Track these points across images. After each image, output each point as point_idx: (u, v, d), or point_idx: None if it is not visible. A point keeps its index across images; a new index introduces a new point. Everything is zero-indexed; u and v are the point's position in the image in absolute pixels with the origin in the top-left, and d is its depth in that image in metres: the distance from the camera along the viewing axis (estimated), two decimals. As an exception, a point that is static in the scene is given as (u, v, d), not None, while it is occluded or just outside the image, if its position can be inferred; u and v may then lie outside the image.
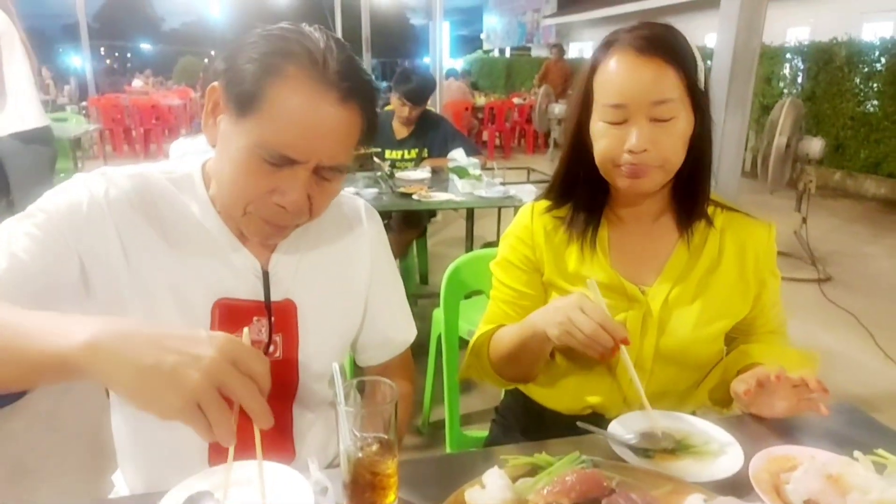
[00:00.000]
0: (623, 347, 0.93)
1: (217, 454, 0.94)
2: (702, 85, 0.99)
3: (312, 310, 0.98)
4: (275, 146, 0.79)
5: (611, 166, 1.01)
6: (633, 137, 0.96)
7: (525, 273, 1.13)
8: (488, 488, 0.63)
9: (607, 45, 1.00)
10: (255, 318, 0.93)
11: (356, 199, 1.09)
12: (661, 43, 0.95)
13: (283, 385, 0.98)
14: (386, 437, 0.72)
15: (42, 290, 0.79)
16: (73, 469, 2.15)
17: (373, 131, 0.89)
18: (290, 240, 0.95)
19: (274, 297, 0.95)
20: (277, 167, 0.81)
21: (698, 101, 0.99)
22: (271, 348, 0.95)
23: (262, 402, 0.62)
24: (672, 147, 0.98)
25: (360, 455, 0.71)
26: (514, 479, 0.66)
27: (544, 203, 1.14)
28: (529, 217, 1.14)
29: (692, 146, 1.01)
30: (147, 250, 0.88)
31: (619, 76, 0.97)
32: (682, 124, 0.98)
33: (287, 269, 0.96)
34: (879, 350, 3.22)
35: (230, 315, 0.92)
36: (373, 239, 1.06)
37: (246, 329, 0.72)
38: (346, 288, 1.03)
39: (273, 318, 0.95)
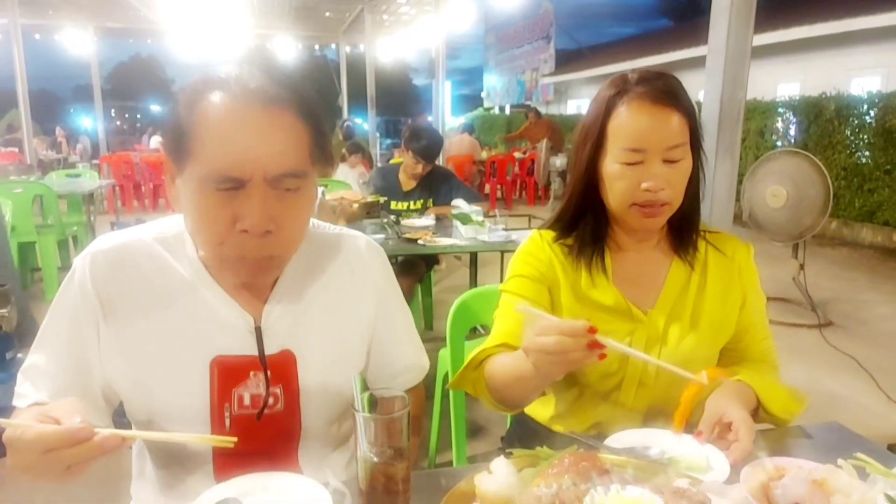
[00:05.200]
0: (598, 335, 0.82)
1: (221, 473, 0.96)
2: (699, 127, 1.11)
3: (312, 358, 0.97)
4: (216, 171, 0.79)
5: (627, 206, 1.09)
6: (652, 177, 1.06)
7: (537, 283, 1.17)
8: (495, 474, 0.69)
9: (619, 93, 1.09)
10: (251, 373, 0.94)
11: (356, 236, 1.08)
12: (670, 92, 1.07)
13: (286, 435, 0.99)
14: (399, 443, 0.78)
15: (73, 380, 0.92)
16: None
17: (324, 139, 0.89)
18: (284, 291, 0.96)
19: (270, 351, 0.94)
20: (230, 193, 0.81)
21: (697, 141, 1.10)
22: (270, 401, 0.95)
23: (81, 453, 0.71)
24: (680, 185, 1.09)
25: (375, 460, 0.77)
26: (519, 470, 0.72)
27: (550, 233, 1.21)
28: (540, 239, 1.21)
29: (689, 182, 1.11)
30: (137, 320, 0.91)
31: (637, 123, 1.06)
32: (687, 164, 1.09)
33: (282, 321, 0.96)
34: (882, 393, 3.23)
35: (227, 371, 0.93)
36: (376, 274, 1.06)
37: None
38: (348, 331, 1.02)
39: (269, 373, 0.94)
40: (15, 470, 0.74)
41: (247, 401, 0.94)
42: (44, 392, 0.92)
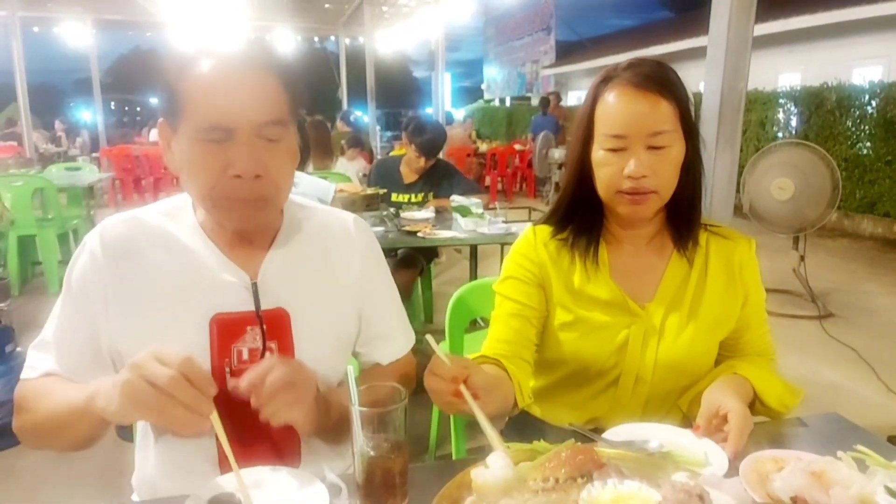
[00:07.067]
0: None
1: (227, 465, 0.96)
2: (692, 115, 1.08)
3: (305, 317, 1.03)
4: (207, 122, 0.89)
5: (613, 193, 1.08)
6: (633, 164, 1.04)
7: (529, 286, 1.17)
8: (492, 468, 0.69)
9: (606, 80, 1.08)
10: (248, 328, 0.99)
11: (344, 213, 1.15)
12: (656, 78, 1.05)
13: None
14: (396, 437, 0.77)
15: (86, 348, 0.99)
16: (86, 497, 2.17)
17: (300, 100, 0.99)
18: (278, 253, 1.03)
19: (265, 307, 1.00)
20: (220, 145, 0.90)
21: (690, 129, 1.07)
22: (267, 354, 1.00)
23: (188, 391, 0.78)
24: (667, 173, 1.06)
25: (372, 453, 0.77)
26: (516, 463, 0.72)
27: (546, 228, 1.20)
28: (533, 237, 1.20)
29: (685, 172, 1.09)
30: (144, 283, 0.98)
31: (619, 108, 1.05)
32: (676, 152, 1.06)
33: (276, 279, 1.02)
34: (882, 384, 3.23)
35: (226, 328, 0.98)
36: (363, 249, 1.12)
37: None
38: (338, 296, 1.08)
39: (265, 327, 1.00)
40: (128, 384, 0.79)
41: (245, 356, 0.99)
42: (53, 361, 0.99)
